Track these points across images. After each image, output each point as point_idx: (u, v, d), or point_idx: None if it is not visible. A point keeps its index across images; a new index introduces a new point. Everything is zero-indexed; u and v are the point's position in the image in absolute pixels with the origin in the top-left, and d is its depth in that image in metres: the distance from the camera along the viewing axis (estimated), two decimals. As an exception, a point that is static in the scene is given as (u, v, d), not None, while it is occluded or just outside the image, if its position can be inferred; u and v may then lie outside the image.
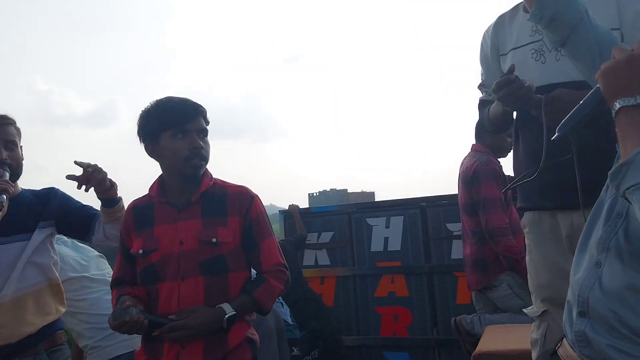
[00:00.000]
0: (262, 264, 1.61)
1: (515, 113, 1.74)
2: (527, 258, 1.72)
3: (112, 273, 2.43)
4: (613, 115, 0.92)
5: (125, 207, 1.81)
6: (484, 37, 1.83)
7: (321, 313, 3.36)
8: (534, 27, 1.64)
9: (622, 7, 1.49)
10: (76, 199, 1.94)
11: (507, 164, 3.10)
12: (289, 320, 3.16)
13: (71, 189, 1.91)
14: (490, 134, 2.52)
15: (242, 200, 1.63)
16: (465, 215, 2.94)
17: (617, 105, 0.91)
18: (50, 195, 1.87)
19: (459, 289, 3.37)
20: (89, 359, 2.27)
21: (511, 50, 1.70)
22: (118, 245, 1.74)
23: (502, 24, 1.76)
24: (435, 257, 3.47)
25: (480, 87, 1.87)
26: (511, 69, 1.50)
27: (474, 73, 1.89)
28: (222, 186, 1.66)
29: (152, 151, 1.63)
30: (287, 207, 3.96)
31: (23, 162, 1.82)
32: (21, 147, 1.83)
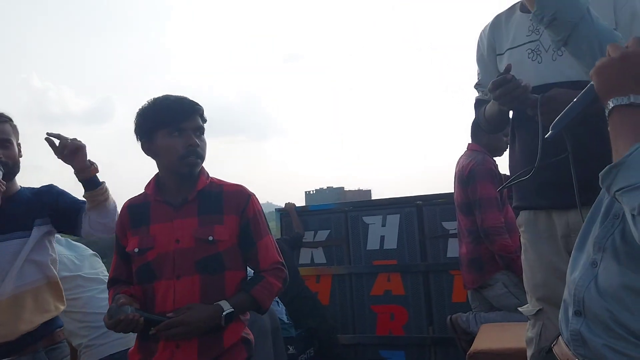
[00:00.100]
0: (260, 263, 1.61)
1: (511, 112, 1.74)
2: (522, 257, 1.73)
3: (105, 272, 2.43)
4: (606, 114, 0.91)
5: (117, 202, 1.81)
6: (480, 37, 1.83)
7: (317, 311, 3.36)
8: (530, 27, 1.65)
9: (618, 8, 1.49)
10: (71, 194, 1.91)
11: (502, 163, 3.11)
12: (285, 318, 3.16)
13: (69, 186, 1.90)
14: (487, 133, 2.53)
15: (239, 198, 1.63)
16: (461, 214, 2.95)
17: (611, 104, 0.89)
18: (47, 192, 1.86)
19: (454, 287, 3.38)
20: (83, 358, 2.27)
21: (507, 50, 1.70)
22: (106, 236, 1.75)
23: (498, 23, 1.76)
24: (431, 255, 3.48)
25: (477, 86, 1.87)
26: (507, 69, 1.50)
27: (474, 73, 1.90)
28: (219, 185, 1.66)
29: (148, 149, 1.63)
30: (283, 205, 3.96)
31: (21, 159, 1.81)
32: (19, 144, 1.82)
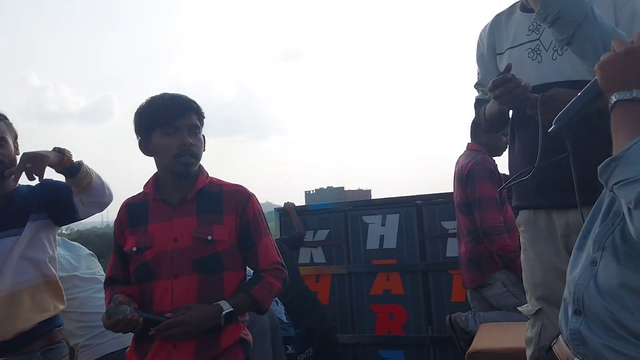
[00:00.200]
0: (259, 263, 1.61)
1: (511, 112, 1.74)
2: (522, 257, 1.73)
3: (102, 272, 2.42)
4: (609, 108, 0.91)
5: (116, 201, 1.79)
6: (480, 36, 1.83)
7: (316, 311, 3.36)
8: (530, 26, 1.64)
9: (618, 8, 1.49)
10: (59, 181, 1.84)
11: (502, 162, 3.11)
12: (284, 318, 3.15)
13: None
14: (486, 132, 2.53)
15: (239, 198, 1.62)
16: (461, 214, 2.95)
17: (613, 99, 0.89)
18: (41, 186, 1.82)
19: (453, 286, 3.37)
20: (80, 358, 2.26)
21: (507, 49, 1.70)
22: (102, 210, 1.73)
23: (498, 23, 1.76)
24: (431, 255, 3.48)
25: (477, 86, 1.87)
26: (508, 68, 1.50)
27: (474, 73, 1.90)
28: (219, 184, 1.66)
29: (145, 148, 1.63)
30: (283, 205, 3.95)
31: (17, 157, 1.80)
32: (15, 142, 1.81)
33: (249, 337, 1.62)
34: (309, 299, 3.38)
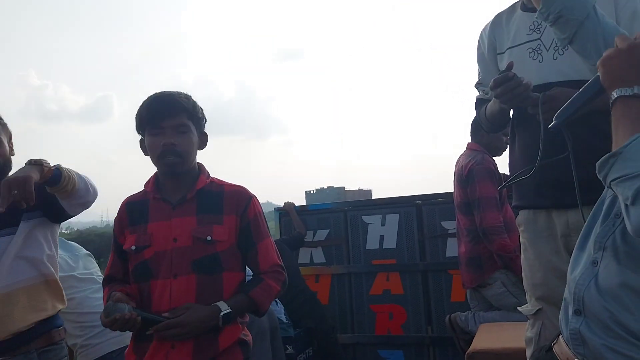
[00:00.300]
0: (259, 265, 1.60)
1: (511, 112, 1.73)
2: (522, 256, 1.72)
3: (99, 272, 2.41)
4: (610, 104, 0.91)
5: (116, 201, 1.78)
6: (481, 36, 1.83)
7: (317, 311, 3.35)
8: (531, 26, 1.64)
9: (619, 8, 1.49)
10: None
11: (502, 162, 3.11)
12: (283, 318, 3.15)
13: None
14: (487, 132, 2.53)
15: (240, 199, 1.61)
16: (460, 214, 2.95)
17: (615, 95, 0.89)
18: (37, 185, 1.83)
19: (453, 286, 3.37)
20: (80, 358, 2.25)
21: (508, 49, 1.70)
22: (88, 207, 1.72)
23: (499, 22, 1.76)
24: (430, 255, 3.48)
25: (477, 85, 1.86)
26: (509, 66, 1.50)
27: (474, 73, 1.89)
28: (220, 185, 1.65)
29: (143, 148, 1.63)
30: (283, 205, 3.95)
31: (13, 157, 1.79)
32: (10, 142, 1.79)
33: (249, 338, 1.61)
34: (309, 299, 3.37)
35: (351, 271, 3.66)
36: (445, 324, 3.04)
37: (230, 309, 1.49)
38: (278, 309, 3.13)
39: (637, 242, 0.89)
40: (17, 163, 1.79)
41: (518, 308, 1.75)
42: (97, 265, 2.48)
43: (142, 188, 1.68)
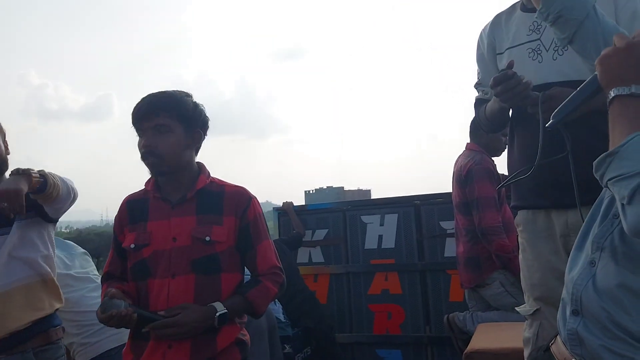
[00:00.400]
0: (258, 266, 1.60)
1: (511, 111, 1.74)
2: (520, 257, 1.72)
3: (95, 271, 2.40)
4: (607, 103, 0.91)
5: (116, 200, 1.77)
6: (480, 36, 1.83)
7: (315, 311, 3.35)
8: (531, 26, 1.64)
9: (619, 8, 1.49)
10: None
11: (501, 163, 3.11)
12: (282, 317, 3.15)
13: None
14: (486, 132, 2.53)
15: (239, 200, 1.61)
16: (459, 214, 2.95)
17: (612, 94, 0.89)
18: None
19: (451, 286, 3.37)
20: (78, 357, 2.24)
21: (507, 49, 1.70)
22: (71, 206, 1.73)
23: (498, 22, 1.76)
24: (429, 255, 3.48)
25: (477, 86, 1.86)
26: (510, 65, 1.50)
27: (474, 73, 1.90)
28: (220, 185, 1.64)
29: None
30: (282, 205, 3.95)
31: (8, 156, 1.78)
32: (5, 141, 1.79)
33: (247, 338, 1.61)
34: (307, 299, 3.37)
35: (350, 271, 3.66)
36: (444, 323, 3.04)
37: (227, 309, 1.49)
38: (276, 308, 3.13)
39: (635, 242, 0.89)
40: (18, 162, 1.79)
41: (516, 308, 1.76)
42: (93, 264, 2.47)
43: (142, 187, 1.68)
